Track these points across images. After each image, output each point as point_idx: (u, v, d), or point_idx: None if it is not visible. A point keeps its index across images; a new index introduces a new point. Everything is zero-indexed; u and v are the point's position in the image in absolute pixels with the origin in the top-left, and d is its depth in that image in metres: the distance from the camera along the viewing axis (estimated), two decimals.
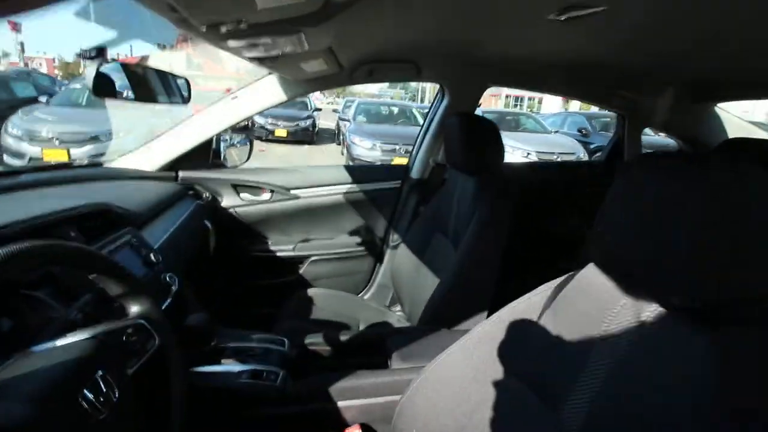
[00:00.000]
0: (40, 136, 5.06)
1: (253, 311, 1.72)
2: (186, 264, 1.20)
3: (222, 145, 1.78)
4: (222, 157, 1.73)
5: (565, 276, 0.71)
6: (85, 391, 0.47)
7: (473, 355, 0.74)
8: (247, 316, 1.72)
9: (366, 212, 1.82)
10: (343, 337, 1.12)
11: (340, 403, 0.92)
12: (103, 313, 0.65)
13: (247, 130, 9.78)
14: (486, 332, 0.75)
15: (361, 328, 1.39)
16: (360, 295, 1.84)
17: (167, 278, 0.96)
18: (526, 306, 0.73)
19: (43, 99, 6.07)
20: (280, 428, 0.91)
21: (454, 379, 0.74)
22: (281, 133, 9.43)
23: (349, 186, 1.76)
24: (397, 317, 1.54)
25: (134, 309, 0.64)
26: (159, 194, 1.30)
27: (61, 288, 0.70)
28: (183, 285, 1.02)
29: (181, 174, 1.56)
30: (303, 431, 0.92)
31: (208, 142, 1.59)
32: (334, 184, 1.75)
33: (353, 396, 0.92)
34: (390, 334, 1.11)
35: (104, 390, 0.49)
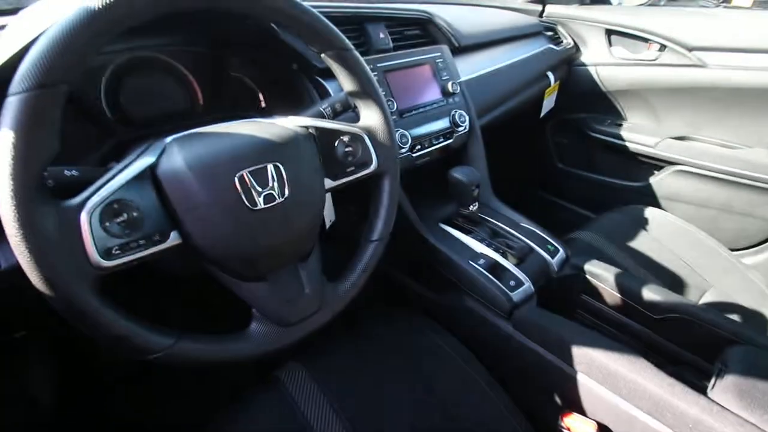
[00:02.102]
0: None
1: (559, 203, 1.40)
2: (495, 112, 0.99)
3: None
4: None
5: None
6: (246, 173, 0.40)
7: None
8: (546, 209, 1.41)
9: None
10: (654, 297, 0.67)
11: (585, 380, 0.58)
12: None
13: None
14: None
15: (703, 301, 0.83)
16: (737, 252, 1.12)
17: (457, 116, 0.80)
18: None
19: None
20: (482, 341, 0.68)
21: None
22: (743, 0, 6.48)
23: None
24: None
25: (363, 117, 0.53)
26: (506, 25, 1.09)
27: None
28: (472, 132, 0.85)
29: (548, 9, 1.24)
30: (511, 368, 0.66)
31: None
32: None
33: (614, 388, 0.55)
34: (747, 341, 0.58)
35: (269, 183, 0.41)
